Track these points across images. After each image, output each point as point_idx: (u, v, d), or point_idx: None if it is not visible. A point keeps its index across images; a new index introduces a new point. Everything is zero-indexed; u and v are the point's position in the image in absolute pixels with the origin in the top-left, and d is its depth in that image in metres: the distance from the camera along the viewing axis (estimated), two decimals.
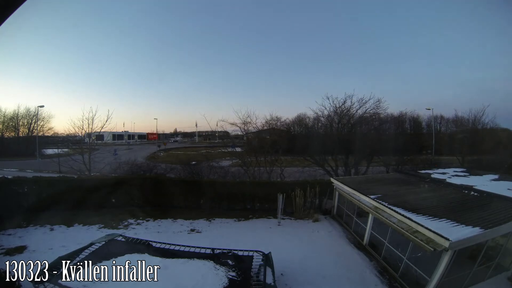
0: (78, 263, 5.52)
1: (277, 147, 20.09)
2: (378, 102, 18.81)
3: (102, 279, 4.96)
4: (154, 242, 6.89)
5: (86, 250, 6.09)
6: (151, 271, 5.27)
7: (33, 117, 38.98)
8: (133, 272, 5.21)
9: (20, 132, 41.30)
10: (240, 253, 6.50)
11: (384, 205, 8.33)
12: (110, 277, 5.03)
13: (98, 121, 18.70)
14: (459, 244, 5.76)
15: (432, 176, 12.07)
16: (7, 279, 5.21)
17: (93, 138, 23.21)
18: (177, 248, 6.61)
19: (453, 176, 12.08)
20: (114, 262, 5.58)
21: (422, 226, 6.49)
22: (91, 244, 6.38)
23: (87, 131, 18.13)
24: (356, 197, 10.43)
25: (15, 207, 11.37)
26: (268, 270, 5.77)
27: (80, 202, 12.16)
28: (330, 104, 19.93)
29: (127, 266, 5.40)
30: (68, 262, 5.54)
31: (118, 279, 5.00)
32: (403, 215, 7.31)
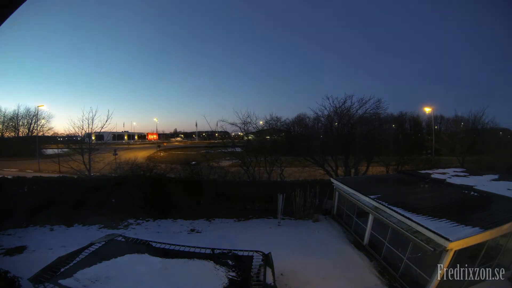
0: (78, 263, 5.51)
1: (277, 147, 20.06)
2: (378, 102, 18.84)
3: (102, 280, 4.95)
4: (154, 242, 6.89)
5: (86, 250, 6.08)
6: (151, 271, 5.28)
7: (33, 117, 38.95)
8: (133, 273, 5.21)
9: (20, 132, 41.26)
10: (240, 253, 6.49)
11: (384, 205, 8.33)
12: (110, 277, 5.02)
13: (98, 121, 18.68)
14: (459, 244, 5.77)
15: (432, 176, 12.06)
16: (7, 279, 5.21)
17: (93, 138, 23.21)
18: (177, 248, 6.61)
19: (453, 176, 12.07)
20: (114, 262, 5.57)
21: (422, 226, 6.49)
22: (91, 244, 6.38)
23: (87, 131, 18.11)
24: (356, 197, 10.42)
25: (15, 207, 11.35)
26: (268, 270, 5.77)
27: (80, 202, 12.14)
28: (330, 104, 19.86)
29: (127, 266, 5.41)
30: (68, 262, 5.54)
31: (118, 280, 5.00)
32: (403, 215, 7.30)
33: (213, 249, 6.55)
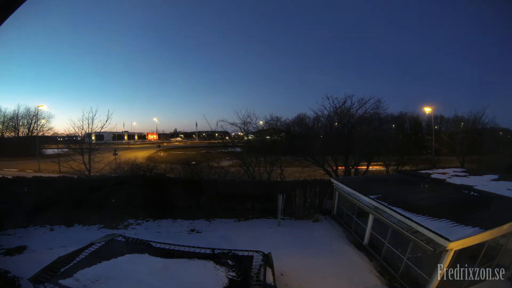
0: (78, 263, 5.51)
1: (277, 147, 20.07)
2: (378, 102, 18.88)
3: (102, 280, 4.95)
4: (154, 242, 6.88)
5: (86, 250, 6.07)
6: (151, 271, 5.27)
7: (33, 117, 38.95)
8: (133, 272, 5.21)
9: (20, 132, 41.27)
10: (240, 253, 6.49)
11: (384, 205, 8.32)
12: (110, 277, 5.02)
13: (98, 121, 18.71)
14: (459, 244, 5.77)
15: (432, 176, 12.06)
16: (7, 279, 5.21)
17: (93, 138, 23.22)
18: (177, 248, 6.60)
19: (453, 176, 12.07)
20: (114, 262, 5.57)
21: (422, 226, 6.49)
22: (91, 244, 6.37)
23: (87, 131, 18.13)
24: (356, 197, 10.42)
25: (15, 207, 11.34)
26: (268, 270, 5.76)
27: (80, 202, 12.14)
28: (330, 104, 19.89)
29: (127, 266, 5.40)
30: (68, 262, 5.54)
31: (118, 280, 5.00)
32: (403, 215, 7.30)
33: (213, 249, 6.54)
